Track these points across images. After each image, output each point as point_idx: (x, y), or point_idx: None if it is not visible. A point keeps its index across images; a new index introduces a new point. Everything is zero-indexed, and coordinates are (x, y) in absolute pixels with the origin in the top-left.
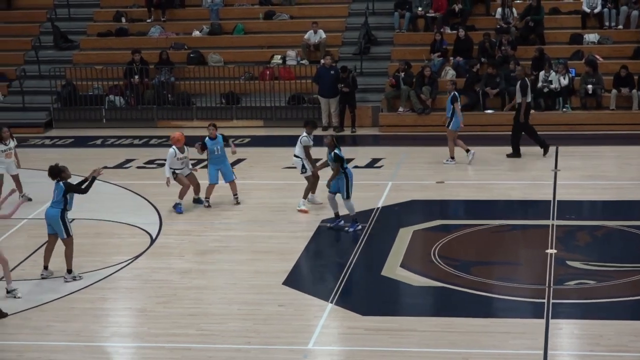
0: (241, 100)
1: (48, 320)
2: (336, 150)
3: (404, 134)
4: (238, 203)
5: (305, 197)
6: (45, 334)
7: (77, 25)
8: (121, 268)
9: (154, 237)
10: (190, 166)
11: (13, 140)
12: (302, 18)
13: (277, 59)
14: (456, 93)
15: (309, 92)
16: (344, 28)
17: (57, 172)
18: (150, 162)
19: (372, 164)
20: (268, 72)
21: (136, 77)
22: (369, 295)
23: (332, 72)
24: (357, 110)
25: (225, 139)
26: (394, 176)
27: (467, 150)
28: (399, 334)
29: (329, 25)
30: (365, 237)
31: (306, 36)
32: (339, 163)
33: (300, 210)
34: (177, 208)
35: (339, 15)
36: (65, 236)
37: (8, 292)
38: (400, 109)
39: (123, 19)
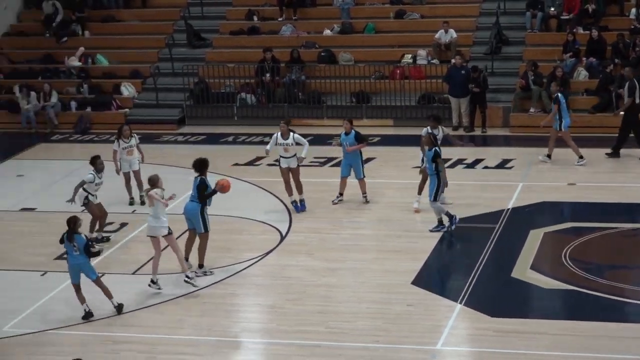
0: (371, 99)
1: (180, 315)
2: (436, 148)
3: (535, 135)
4: (367, 202)
5: (419, 193)
6: (177, 328)
7: (210, 24)
8: (252, 264)
9: (284, 234)
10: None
11: (134, 137)
12: (433, 17)
13: (408, 58)
14: (559, 95)
15: (439, 91)
16: (475, 27)
17: (200, 166)
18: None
19: (503, 164)
20: (398, 71)
21: (267, 75)
22: (499, 297)
23: (462, 71)
24: (487, 110)
25: (359, 136)
26: (524, 177)
27: (549, 156)
28: (529, 337)
29: (460, 25)
30: (495, 238)
31: (437, 35)
32: (435, 163)
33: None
34: None
35: (470, 14)
36: (202, 231)
37: (153, 282)
38: (531, 110)
39: (255, 18)
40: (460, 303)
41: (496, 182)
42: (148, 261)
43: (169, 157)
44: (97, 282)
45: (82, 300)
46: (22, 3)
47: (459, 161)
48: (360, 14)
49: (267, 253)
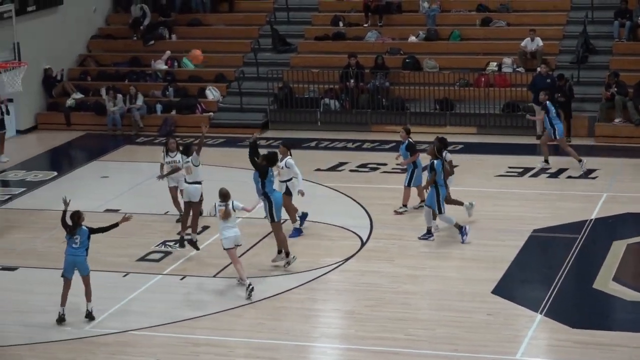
0: (455, 106)
1: (259, 318)
2: (435, 161)
3: (620, 145)
4: (399, 213)
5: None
6: (256, 331)
7: (296, 29)
8: (331, 270)
9: (364, 240)
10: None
11: (180, 152)
12: (519, 25)
13: (493, 66)
14: (547, 103)
15: (524, 100)
16: (561, 36)
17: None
18: (363, 165)
19: (587, 174)
20: (483, 79)
21: (351, 81)
22: (580, 308)
23: (548, 80)
24: (572, 119)
25: (410, 147)
26: (609, 188)
27: (546, 161)
28: (610, 349)
29: (546, 33)
30: (578, 248)
31: (523, 43)
32: (433, 174)
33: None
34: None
35: (556, 23)
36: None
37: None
38: (616, 120)
39: (340, 23)
40: (541, 313)
41: (580, 192)
42: (228, 265)
43: None
44: (86, 279)
45: (64, 300)
46: (111, 6)
47: (543, 170)
48: (446, 21)
49: (347, 259)
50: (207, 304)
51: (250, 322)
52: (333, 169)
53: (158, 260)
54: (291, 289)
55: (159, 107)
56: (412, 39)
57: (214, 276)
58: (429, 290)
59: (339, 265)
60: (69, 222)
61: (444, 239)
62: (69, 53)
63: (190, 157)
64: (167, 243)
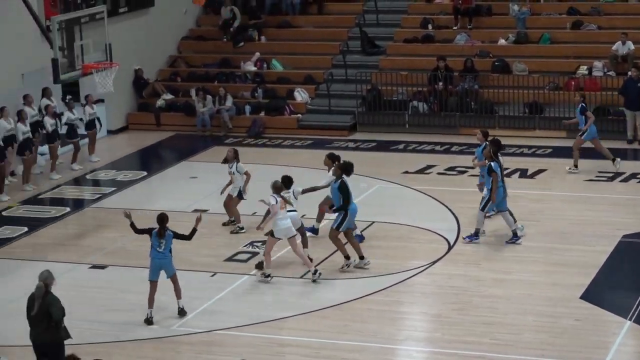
0: (545, 110)
1: (345, 320)
2: (492, 163)
3: None
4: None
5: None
6: (341, 333)
7: (385, 31)
8: (418, 273)
9: (451, 243)
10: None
11: (238, 162)
12: (611, 29)
13: (583, 69)
14: (584, 104)
15: (614, 104)
16: None
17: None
18: (451, 168)
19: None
20: (573, 83)
21: (440, 83)
22: None
23: (639, 84)
24: None
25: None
26: None
27: (576, 166)
28: None
29: (638, 37)
30: None
31: (614, 47)
32: (494, 176)
33: None
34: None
35: None
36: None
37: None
38: None
39: (430, 26)
40: (630, 320)
41: None
42: (316, 266)
43: None
44: (174, 278)
45: (151, 303)
46: (202, 8)
47: (633, 176)
48: (536, 24)
49: (434, 262)
50: (293, 305)
51: (336, 323)
52: (421, 171)
53: (245, 261)
54: (377, 291)
55: (247, 108)
56: (502, 41)
57: (301, 277)
58: (516, 294)
59: (426, 268)
60: (145, 226)
61: (531, 244)
62: (159, 54)
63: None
64: (255, 244)
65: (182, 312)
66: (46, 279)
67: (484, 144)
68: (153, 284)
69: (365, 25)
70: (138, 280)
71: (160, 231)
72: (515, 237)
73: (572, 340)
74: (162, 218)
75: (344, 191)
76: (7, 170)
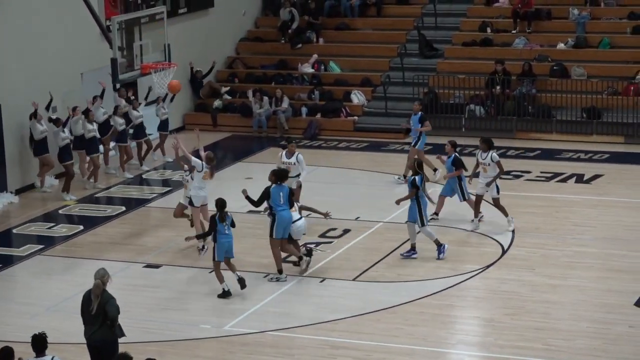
0: (602, 115)
1: (397, 323)
2: (416, 177)
3: None
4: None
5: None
6: (393, 336)
7: (443, 34)
8: (471, 277)
9: (505, 248)
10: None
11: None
12: None
13: None
14: (422, 114)
15: None
16: None
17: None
18: (507, 172)
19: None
20: (632, 88)
21: (498, 87)
22: None
23: None
24: None
25: (456, 161)
26: None
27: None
28: None
29: None
30: None
31: None
32: (414, 190)
33: None
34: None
35: None
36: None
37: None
38: None
39: (488, 29)
40: None
41: None
42: (368, 268)
43: (396, 166)
44: (232, 262)
45: (221, 277)
46: (261, 9)
47: None
48: (595, 28)
49: (488, 266)
50: (345, 307)
51: (387, 326)
52: (477, 175)
53: (296, 263)
54: (430, 295)
55: (304, 110)
56: (561, 45)
57: (354, 280)
58: (570, 300)
59: (479, 273)
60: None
61: (586, 250)
62: (217, 55)
63: None
64: (308, 246)
65: (241, 281)
66: (102, 277)
67: (453, 155)
68: (218, 263)
69: (423, 28)
70: (191, 279)
71: (221, 216)
72: (412, 252)
73: (626, 347)
74: (221, 204)
75: (266, 196)
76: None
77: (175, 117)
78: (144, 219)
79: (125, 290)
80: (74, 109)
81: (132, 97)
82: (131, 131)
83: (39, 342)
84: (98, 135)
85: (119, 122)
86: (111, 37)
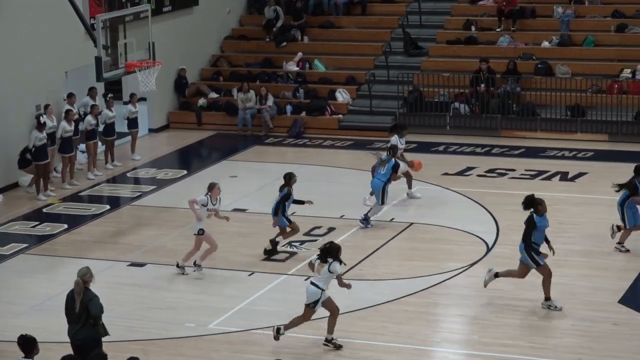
0: (587, 113)
1: (382, 321)
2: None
3: None
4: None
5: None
6: (379, 334)
7: (428, 33)
8: (456, 275)
9: (490, 246)
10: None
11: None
12: None
13: (627, 72)
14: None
15: None
16: None
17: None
18: (491, 170)
19: None
20: (616, 86)
21: (482, 85)
22: None
23: None
24: None
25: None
26: None
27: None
28: None
29: None
30: None
31: None
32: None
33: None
34: None
35: None
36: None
37: (178, 266)
38: None
39: (473, 28)
40: None
41: None
42: (353, 266)
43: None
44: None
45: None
46: (245, 8)
47: None
48: (580, 27)
49: (473, 264)
50: None
51: (373, 324)
52: (460, 173)
53: (283, 260)
54: (415, 293)
55: (289, 108)
56: (545, 44)
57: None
58: (554, 298)
59: (464, 271)
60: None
61: (571, 248)
62: (202, 53)
63: None
64: (293, 244)
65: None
66: (84, 276)
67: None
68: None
69: (408, 26)
70: (176, 278)
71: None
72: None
73: (610, 344)
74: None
75: None
76: (51, 168)
77: (160, 116)
78: (128, 218)
79: (110, 289)
80: (46, 107)
81: (110, 97)
82: (101, 130)
83: (28, 343)
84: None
85: (91, 122)
86: (95, 36)
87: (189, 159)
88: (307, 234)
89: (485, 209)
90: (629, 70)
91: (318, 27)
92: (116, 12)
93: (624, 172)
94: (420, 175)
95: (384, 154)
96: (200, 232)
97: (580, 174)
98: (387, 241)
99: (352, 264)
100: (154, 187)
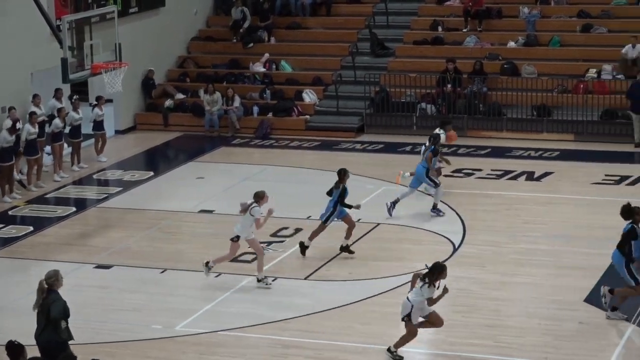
0: (552, 112)
1: (349, 322)
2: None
3: None
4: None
5: None
6: (345, 334)
7: (394, 33)
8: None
9: (456, 245)
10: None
11: None
12: (621, 32)
13: (592, 72)
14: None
15: (623, 107)
16: None
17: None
18: (458, 170)
19: None
20: (582, 86)
21: (449, 85)
22: None
23: None
24: None
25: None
26: None
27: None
28: None
29: None
30: None
31: (624, 50)
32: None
33: None
34: None
35: None
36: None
37: (259, 280)
38: None
39: (439, 28)
40: (634, 323)
41: None
42: (320, 267)
43: (347, 165)
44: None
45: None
46: (212, 9)
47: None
48: (546, 27)
49: None
50: (297, 306)
51: (340, 324)
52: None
53: (250, 262)
54: (382, 293)
55: (255, 109)
56: (511, 44)
57: (305, 278)
58: (520, 297)
59: None
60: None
61: (537, 247)
62: (168, 54)
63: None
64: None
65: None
66: (49, 279)
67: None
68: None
69: (375, 27)
70: (142, 280)
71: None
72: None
73: (576, 343)
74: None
75: None
76: (17, 170)
77: (126, 117)
78: (94, 220)
79: (76, 292)
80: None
81: (75, 98)
82: (67, 131)
83: (14, 350)
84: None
85: (58, 125)
86: (61, 37)
87: (156, 161)
88: (274, 234)
89: (452, 209)
90: (595, 70)
91: (285, 28)
92: (82, 13)
93: (591, 171)
94: (388, 175)
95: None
96: (235, 239)
97: (546, 174)
98: (354, 242)
99: (318, 264)
100: (121, 188)
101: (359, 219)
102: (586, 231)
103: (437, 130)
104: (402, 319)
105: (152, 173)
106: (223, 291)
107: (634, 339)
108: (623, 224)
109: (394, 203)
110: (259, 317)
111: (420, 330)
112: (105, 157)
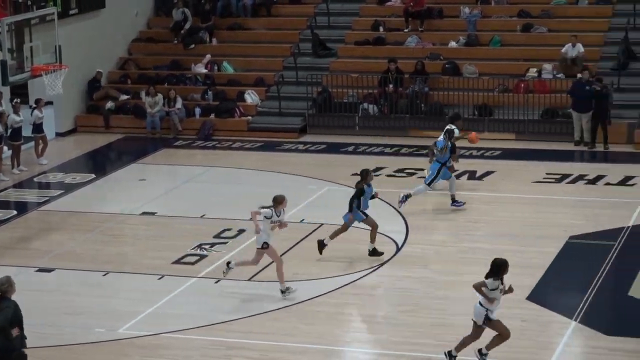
0: (494, 112)
1: (293, 322)
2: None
3: None
4: None
5: None
6: (290, 335)
7: (336, 33)
8: (366, 275)
9: (399, 245)
10: None
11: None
12: (561, 31)
13: (533, 72)
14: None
15: (563, 106)
16: (602, 42)
17: None
18: (400, 170)
19: (625, 181)
20: (523, 85)
21: (391, 86)
22: (615, 315)
23: (587, 87)
24: (610, 126)
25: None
26: None
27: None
28: None
29: (588, 40)
30: (614, 255)
31: (564, 49)
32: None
33: None
34: None
35: (598, 29)
36: None
37: (282, 292)
38: None
39: (381, 28)
40: (576, 320)
41: (617, 199)
42: (264, 268)
43: (290, 166)
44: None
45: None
46: (153, 10)
47: (580, 177)
48: (486, 27)
49: (382, 264)
50: (241, 308)
51: (284, 325)
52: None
53: (193, 263)
54: (326, 293)
55: (197, 110)
56: (453, 44)
57: (249, 279)
58: (464, 296)
59: (374, 270)
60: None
61: (480, 246)
62: (109, 56)
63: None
64: (203, 246)
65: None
66: (2, 285)
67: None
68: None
69: (316, 27)
70: (84, 283)
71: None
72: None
73: (519, 341)
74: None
75: None
76: None
77: (67, 120)
78: (36, 223)
79: (18, 296)
80: None
81: (16, 101)
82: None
83: None
84: None
85: None
86: (0, 39)
87: (98, 163)
88: (217, 236)
89: (395, 209)
90: (535, 70)
91: (226, 29)
92: (22, 15)
93: (532, 170)
94: (331, 176)
95: (440, 138)
96: (265, 246)
97: (488, 173)
98: (298, 242)
99: (263, 264)
100: (62, 191)
101: (302, 220)
102: (528, 229)
103: (448, 126)
104: (483, 324)
105: (93, 175)
106: (166, 293)
107: (576, 336)
108: (565, 221)
109: (407, 197)
110: (202, 319)
111: (364, 330)
112: (46, 160)
